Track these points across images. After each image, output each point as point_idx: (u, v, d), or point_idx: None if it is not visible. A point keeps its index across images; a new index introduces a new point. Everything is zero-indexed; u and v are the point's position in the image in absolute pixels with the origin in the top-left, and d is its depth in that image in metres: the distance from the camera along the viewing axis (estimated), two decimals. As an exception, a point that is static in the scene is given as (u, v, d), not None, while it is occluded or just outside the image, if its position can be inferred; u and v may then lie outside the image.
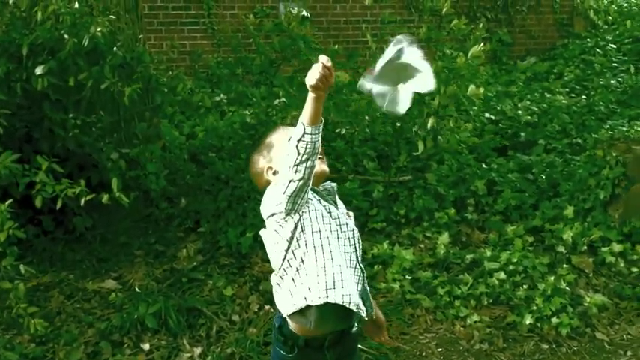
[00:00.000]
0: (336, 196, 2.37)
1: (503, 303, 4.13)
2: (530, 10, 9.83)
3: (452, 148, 5.29)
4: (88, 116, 4.40)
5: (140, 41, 4.69)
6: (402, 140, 5.90)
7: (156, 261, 4.38)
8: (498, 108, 6.81)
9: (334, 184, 2.37)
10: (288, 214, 2.14)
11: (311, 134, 2.00)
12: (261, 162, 2.34)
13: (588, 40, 9.42)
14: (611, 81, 7.54)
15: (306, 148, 2.00)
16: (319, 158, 2.15)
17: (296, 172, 2.03)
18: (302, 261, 2.18)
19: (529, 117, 6.60)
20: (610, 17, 9.93)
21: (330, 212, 2.26)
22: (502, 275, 4.26)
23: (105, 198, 3.64)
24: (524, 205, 5.15)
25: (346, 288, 2.19)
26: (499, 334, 3.89)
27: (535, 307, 3.98)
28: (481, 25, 5.66)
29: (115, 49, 4.29)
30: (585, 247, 4.57)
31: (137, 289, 4.07)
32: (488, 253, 4.45)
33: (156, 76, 4.43)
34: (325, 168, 2.30)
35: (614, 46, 8.79)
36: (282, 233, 2.17)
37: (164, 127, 5.34)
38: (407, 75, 2.05)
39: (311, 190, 2.19)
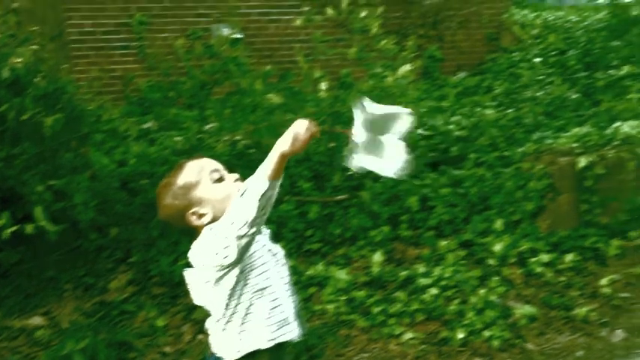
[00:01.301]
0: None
1: (436, 319, 4.19)
2: (460, 26, 10.07)
3: (384, 166, 5.34)
4: (13, 148, 4.30)
5: (64, 70, 4.61)
6: (336, 159, 5.95)
7: (85, 294, 4.29)
8: (430, 123, 6.92)
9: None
10: (235, 264, 2.04)
11: (274, 189, 1.94)
12: (176, 204, 2.16)
13: (516, 53, 9.69)
14: (538, 93, 7.76)
15: (267, 204, 1.94)
16: None
17: (252, 226, 1.95)
18: (250, 305, 2.11)
19: (460, 131, 6.73)
20: (534, 31, 10.23)
21: (264, 244, 2.21)
22: (435, 291, 4.32)
23: (29, 227, 3.55)
24: (457, 219, 5.25)
25: (293, 322, 2.18)
26: (433, 350, 3.94)
27: (467, 322, 4.04)
28: (411, 43, 5.76)
29: (37, 79, 4.21)
30: (515, 259, 4.68)
31: (65, 325, 3.97)
32: (422, 270, 4.52)
33: (80, 106, 4.36)
34: None
35: (539, 59, 9.07)
36: (226, 282, 2.07)
37: (93, 155, 5.24)
38: (384, 129, 2.03)
39: None
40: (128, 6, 8.06)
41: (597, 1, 12.84)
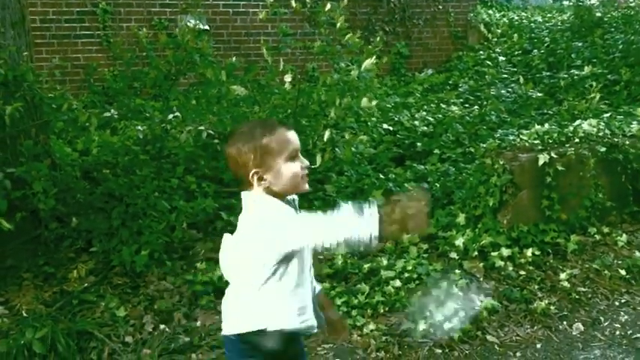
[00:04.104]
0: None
1: (398, 310, 4.21)
2: (427, 23, 10.15)
3: (348, 160, 5.37)
4: (-30, 135, 4.21)
5: (25, 57, 4.52)
6: (302, 152, 5.94)
7: (45, 284, 4.22)
8: (396, 119, 6.97)
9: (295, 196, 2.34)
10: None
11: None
12: (249, 156, 2.17)
13: (481, 52, 9.80)
14: (502, 91, 7.86)
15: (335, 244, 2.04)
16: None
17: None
18: (282, 287, 2.19)
19: (425, 127, 6.79)
20: (499, 30, 10.37)
21: None
22: (398, 283, 4.35)
23: (-13, 217, 3.48)
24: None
25: (308, 313, 2.25)
26: (395, 341, 3.95)
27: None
28: (378, 39, 5.78)
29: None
30: (476, 253, 4.73)
31: (24, 314, 3.90)
32: (385, 262, 4.54)
33: (40, 94, 4.28)
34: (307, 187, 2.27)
35: (504, 58, 9.18)
36: (270, 263, 2.16)
37: (55, 144, 5.16)
38: None
39: (290, 205, 2.23)
40: (93, -6, 7.95)
41: (562, 3, 13.05)
